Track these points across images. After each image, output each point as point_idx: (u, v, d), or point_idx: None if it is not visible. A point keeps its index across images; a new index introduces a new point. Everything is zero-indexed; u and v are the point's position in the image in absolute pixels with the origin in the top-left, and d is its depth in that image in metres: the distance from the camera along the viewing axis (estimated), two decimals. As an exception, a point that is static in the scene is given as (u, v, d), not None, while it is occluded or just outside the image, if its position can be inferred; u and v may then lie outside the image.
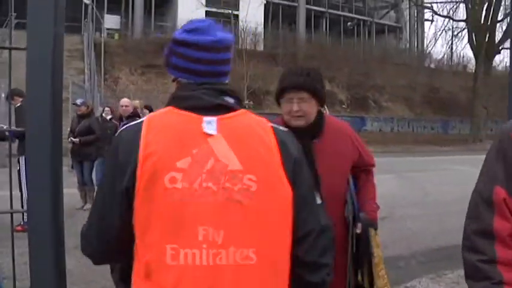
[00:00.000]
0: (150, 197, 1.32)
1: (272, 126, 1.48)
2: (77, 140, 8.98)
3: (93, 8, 27.36)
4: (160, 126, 1.40)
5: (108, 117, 10.41)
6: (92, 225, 1.42)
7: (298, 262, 1.45)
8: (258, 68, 28.02)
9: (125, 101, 8.05)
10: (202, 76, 1.48)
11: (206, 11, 34.94)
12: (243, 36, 32.94)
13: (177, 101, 1.46)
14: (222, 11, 33.88)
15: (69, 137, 9.15)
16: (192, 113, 1.41)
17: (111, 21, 32.68)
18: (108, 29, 32.21)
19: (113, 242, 1.40)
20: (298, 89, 2.45)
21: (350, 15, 44.36)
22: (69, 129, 9.34)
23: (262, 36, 35.64)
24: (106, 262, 1.57)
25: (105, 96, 23.31)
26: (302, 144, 2.24)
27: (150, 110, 12.41)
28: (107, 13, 33.33)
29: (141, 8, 35.03)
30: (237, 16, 33.87)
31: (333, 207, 2.46)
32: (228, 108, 1.45)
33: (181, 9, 33.84)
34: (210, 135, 1.38)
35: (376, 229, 2.66)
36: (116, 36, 32.33)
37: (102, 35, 28.86)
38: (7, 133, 5.07)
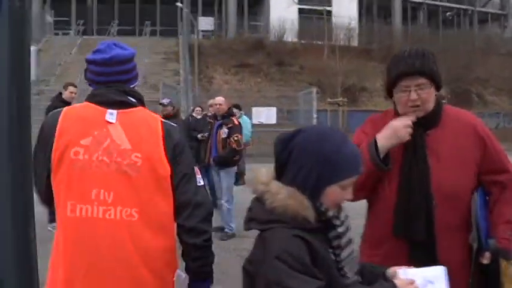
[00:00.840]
0: (60, 166, 1.83)
1: (161, 120, 1.97)
2: None
3: (187, 12, 28.02)
4: (72, 114, 1.92)
5: (198, 116, 10.39)
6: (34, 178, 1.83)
7: (181, 229, 1.90)
8: (352, 64, 27.28)
9: (219, 99, 7.63)
10: (104, 85, 1.97)
11: (299, 9, 34.69)
12: (336, 31, 32.29)
13: (90, 97, 1.97)
14: (314, 7, 33.46)
15: None
16: (99, 105, 1.91)
17: (205, 23, 33.34)
18: (202, 30, 32.92)
19: (42, 193, 1.92)
20: (416, 74, 2.08)
21: (449, 5, 42.14)
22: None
23: (357, 31, 34.75)
24: (44, 204, 2.03)
25: (199, 96, 23.73)
26: (413, 136, 2.12)
27: (239, 109, 12.26)
28: (201, 15, 34.06)
29: (234, 8, 35.47)
30: (330, 12, 33.25)
31: (446, 208, 2.10)
32: (129, 105, 1.94)
33: (274, 8, 33.86)
34: (111, 123, 1.87)
35: (508, 260, 2.12)
36: (212, 37, 32.94)
37: (197, 37, 29.49)
38: None
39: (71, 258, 1.79)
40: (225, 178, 7.39)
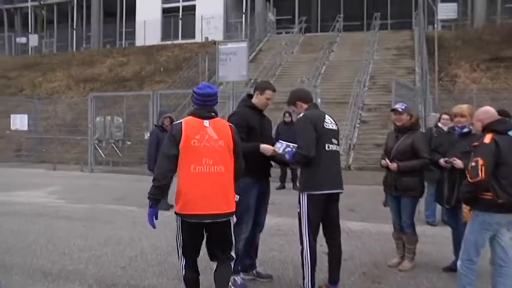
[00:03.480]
0: (187, 148, 4.02)
1: (229, 124, 4.33)
2: (393, 165, 5.98)
3: (424, -1, 23.47)
4: (188, 124, 4.11)
5: (445, 128, 7.72)
6: (161, 163, 4.12)
7: (236, 168, 4.28)
8: None
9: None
10: (202, 106, 4.25)
11: None
12: None
13: (194, 114, 4.22)
14: None
15: (382, 159, 6.26)
16: (199, 118, 4.16)
17: (447, 10, 28.17)
18: (442, 20, 27.91)
19: (173, 167, 4.10)
20: None
21: None
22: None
23: None
24: (165, 180, 4.13)
25: (440, 99, 19.15)
26: None
27: (509, 117, 8.25)
28: (441, 2, 28.90)
29: (484, -9, 29.51)
30: None
31: None
32: (214, 117, 4.21)
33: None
34: (207, 127, 4.11)
35: None
36: (455, 27, 27.77)
37: (435, 27, 24.73)
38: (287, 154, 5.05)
39: (194, 190, 3.98)
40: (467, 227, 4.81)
